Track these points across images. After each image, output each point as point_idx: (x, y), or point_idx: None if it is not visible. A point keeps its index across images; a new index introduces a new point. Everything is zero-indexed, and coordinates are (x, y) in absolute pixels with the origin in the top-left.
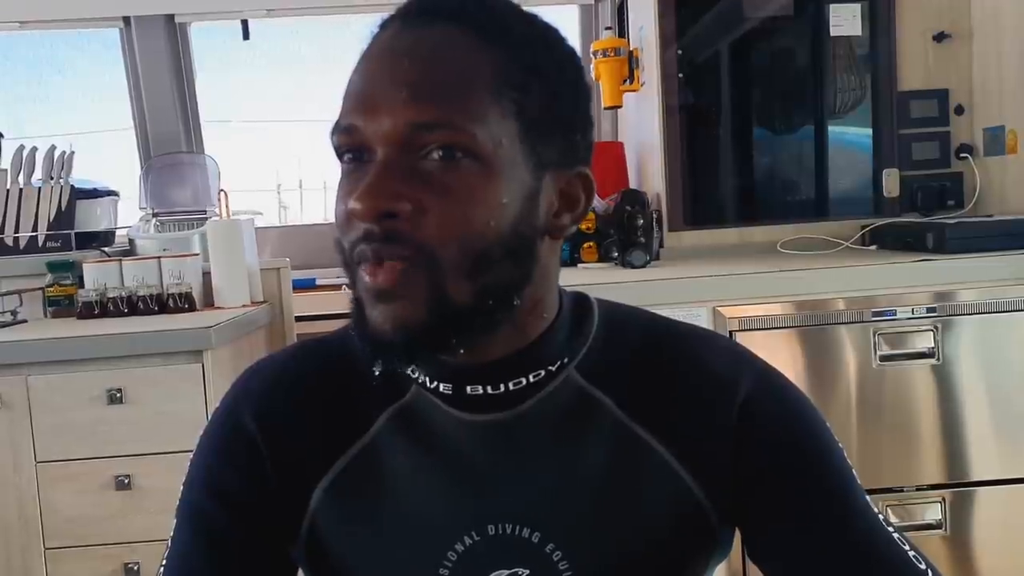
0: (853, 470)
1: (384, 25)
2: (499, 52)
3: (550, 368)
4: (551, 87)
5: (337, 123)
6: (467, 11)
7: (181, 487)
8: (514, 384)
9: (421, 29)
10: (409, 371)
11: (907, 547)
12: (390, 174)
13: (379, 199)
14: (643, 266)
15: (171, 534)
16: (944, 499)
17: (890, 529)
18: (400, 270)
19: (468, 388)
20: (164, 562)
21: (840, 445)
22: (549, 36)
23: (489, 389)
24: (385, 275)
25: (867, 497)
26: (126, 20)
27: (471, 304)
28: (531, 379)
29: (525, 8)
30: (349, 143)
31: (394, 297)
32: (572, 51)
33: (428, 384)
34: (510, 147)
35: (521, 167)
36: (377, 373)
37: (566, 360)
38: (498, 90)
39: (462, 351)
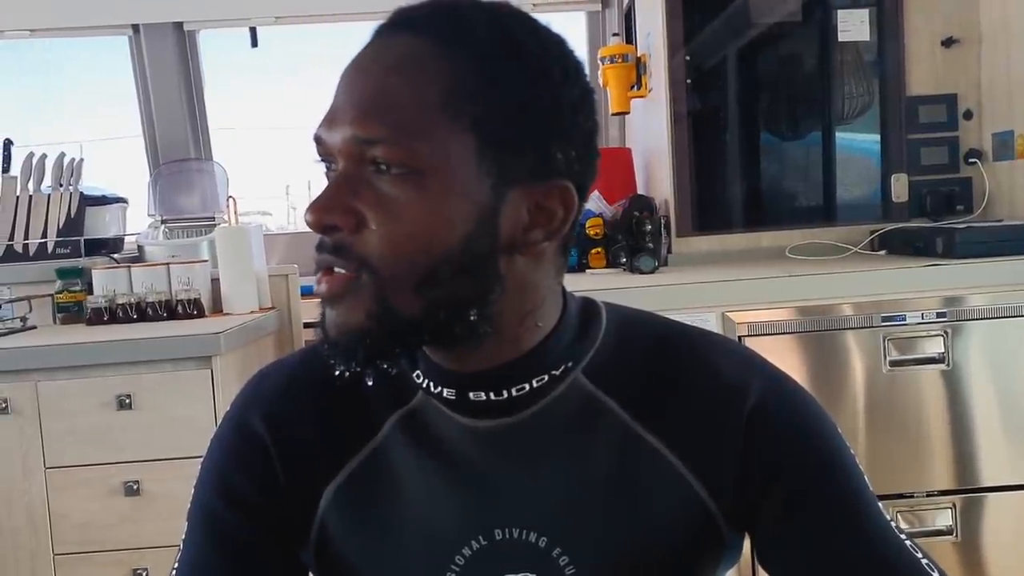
0: (864, 476)
1: (372, 35)
2: (458, 64)
3: (554, 373)
4: (521, 100)
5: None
6: (432, 23)
7: (192, 491)
8: (517, 390)
9: (387, 41)
10: (414, 376)
11: (919, 554)
12: (340, 188)
13: (323, 212)
14: (651, 271)
15: (183, 537)
16: (955, 505)
17: (902, 536)
18: (345, 278)
19: (471, 394)
20: (176, 566)
21: (851, 451)
22: (527, 46)
23: (492, 395)
24: (330, 282)
25: (879, 503)
26: (135, 28)
27: (419, 318)
28: (535, 384)
29: (533, 13)
30: (320, 152)
31: (339, 302)
32: (563, 60)
33: (433, 390)
34: (461, 162)
35: (475, 183)
36: (336, 373)
37: (570, 364)
38: (452, 104)
39: (403, 360)
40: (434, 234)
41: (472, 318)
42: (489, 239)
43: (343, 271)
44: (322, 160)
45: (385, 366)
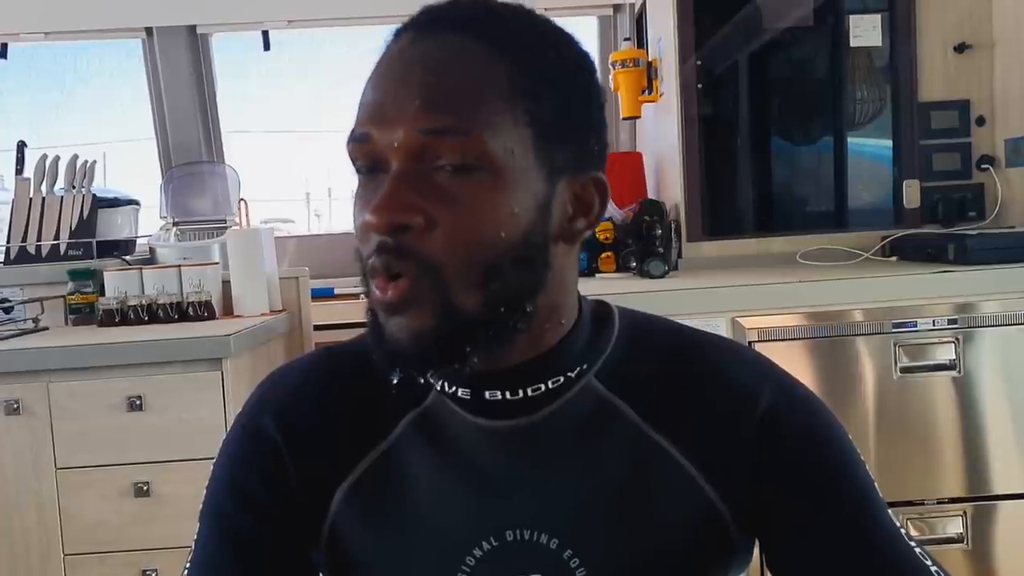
0: (875, 483)
1: (396, 36)
2: (510, 61)
3: (569, 375)
4: (563, 93)
5: (352, 133)
6: (477, 21)
7: (204, 491)
8: (532, 390)
9: (432, 39)
10: (429, 376)
11: (929, 562)
12: (404, 186)
13: (393, 212)
14: (661, 276)
15: (194, 538)
16: (966, 512)
17: (912, 544)
18: (411, 283)
19: (487, 394)
20: (187, 566)
21: (862, 458)
22: (560, 43)
23: (508, 395)
24: (395, 290)
25: (889, 511)
26: (148, 31)
27: (482, 313)
28: (550, 385)
29: (540, 14)
30: (363, 153)
31: (405, 309)
32: (584, 55)
33: (447, 389)
34: (523, 155)
35: (534, 174)
36: (395, 382)
37: (585, 367)
38: (510, 98)
39: (476, 360)
40: (501, 228)
41: (528, 310)
42: (544, 230)
43: (405, 274)
44: (361, 163)
45: (457, 367)
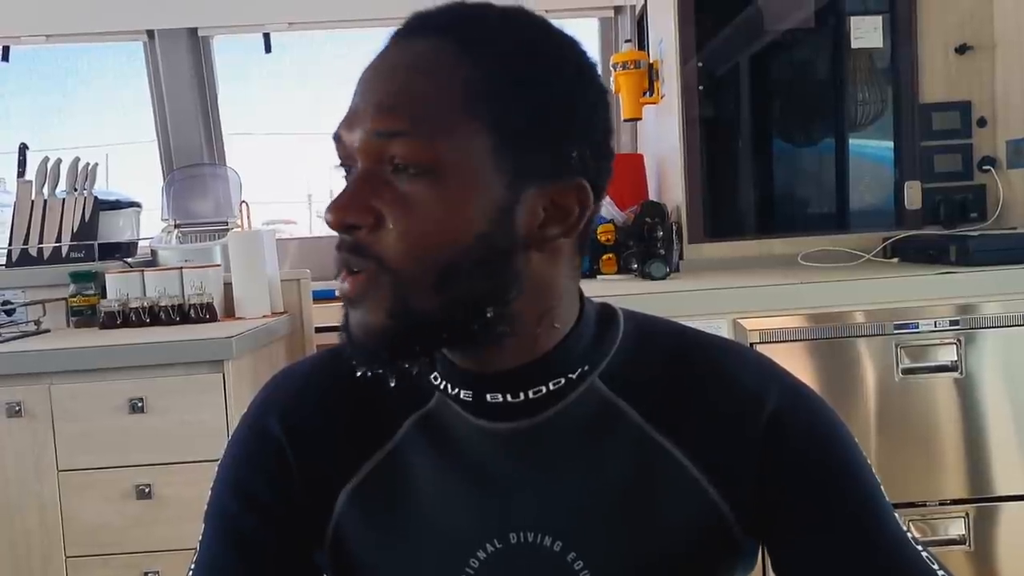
0: (881, 486)
1: (386, 41)
2: (477, 64)
3: (570, 376)
4: (538, 99)
5: (333, 134)
6: (452, 24)
7: (209, 492)
8: (534, 392)
9: (407, 44)
10: (432, 378)
11: (935, 565)
12: (359, 187)
13: (342, 211)
14: (663, 278)
15: (199, 539)
16: (968, 514)
17: (918, 547)
18: (365, 279)
19: (488, 396)
20: (192, 567)
21: (868, 461)
22: (544, 47)
23: (509, 397)
24: (351, 282)
25: (896, 514)
26: (150, 33)
27: (437, 315)
28: (551, 387)
29: (538, 17)
30: (339, 154)
31: (360, 303)
32: (578, 61)
33: (450, 391)
34: (479, 160)
35: (492, 180)
36: (358, 375)
37: (587, 368)
38: (471, 102)
39: (427, 360)
40: (451, 232)
41: (489, 315)
42: (506, 236)
43: (362, 271)
44: (342, 164)
45: (407, 366)
